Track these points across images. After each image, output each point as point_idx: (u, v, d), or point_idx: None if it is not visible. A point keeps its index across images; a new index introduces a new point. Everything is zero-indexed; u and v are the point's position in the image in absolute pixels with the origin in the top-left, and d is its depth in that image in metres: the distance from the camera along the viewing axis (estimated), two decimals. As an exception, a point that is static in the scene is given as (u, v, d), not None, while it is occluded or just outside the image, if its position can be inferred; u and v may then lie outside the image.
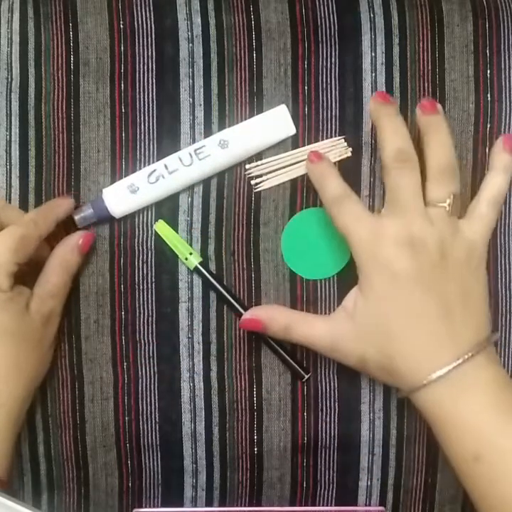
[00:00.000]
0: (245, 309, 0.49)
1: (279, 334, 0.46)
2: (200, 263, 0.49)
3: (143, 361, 0.51)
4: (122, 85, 0.50)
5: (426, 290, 0.41)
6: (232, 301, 0.49)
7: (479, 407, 0.40)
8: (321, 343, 0.44)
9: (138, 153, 0.50)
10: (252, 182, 0.50)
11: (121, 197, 0.48)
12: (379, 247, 0.42)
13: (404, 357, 0.41)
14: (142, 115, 0.50)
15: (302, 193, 0.50)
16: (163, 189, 0.49)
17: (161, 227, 0.50)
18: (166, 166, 0.49)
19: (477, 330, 0.42)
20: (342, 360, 0.44)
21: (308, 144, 0.50)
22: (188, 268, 0.50)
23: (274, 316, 0.46)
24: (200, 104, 0.50)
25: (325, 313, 0.50)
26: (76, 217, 0.48)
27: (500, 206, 0.46)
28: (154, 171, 0.48)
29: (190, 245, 0.50)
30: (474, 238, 0.44)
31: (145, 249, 0.50)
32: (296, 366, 0.49)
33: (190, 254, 0.49)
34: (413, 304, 0.41)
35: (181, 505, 0.52)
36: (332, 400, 0.51)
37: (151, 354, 0.50)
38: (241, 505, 0.52)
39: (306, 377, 0.50)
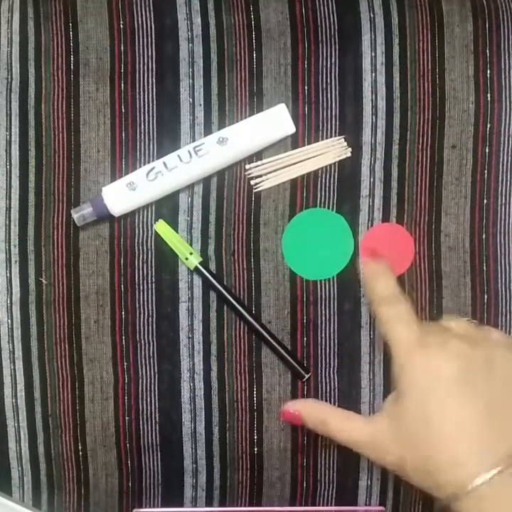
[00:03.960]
0: (245, 309, 0.49)
1: (317, 428, 0.44)
2: (200, 263, 0.49)
3: (143, 361, 0.51)
4: (122, 85, 0.50)
5: (470, 393, 0.40)
6: (233, 301, 0.49)
7: None
8: (360, 439, 0.43)
9: (138, 153, 0.50)
10: (252, 182, 0.50)
11: (120, 195, 0.49)
12: (425, 350, 0.41)
13: (444, 464, 0.39)
14: (142, 115, 0.50)
15: (302, 193, 0.50)
16: (162, 187, 0.49)
17: (161, 227, 0.50)
18: (164, 164, 0.49)
19: None
20: (379, 459, 0.42)
21: (308, 144, 0.50)
22: (188, 268, 0.50)
23: (312, 411, 0.45)
24: (200, 104, 0.50)
25: (325, 313, 0.50)
26: (75, 216, 0.48)
27: None
28: (153, 168, 0.48)
29: (191, 245, 0.50)
30: (501, 339, 0.43)
31: (145, 249, 0.50)
32: (296, 366, 0.49)
33: (191, 254, 0.49)
34: (457, 407, 0.40)
35: (181, 505, 0.52)
36: (332, 400, 0.51)
37: (151, 354, 0.50)
38: (241, 505, 0.52)
39: (307, 377, 0.50)
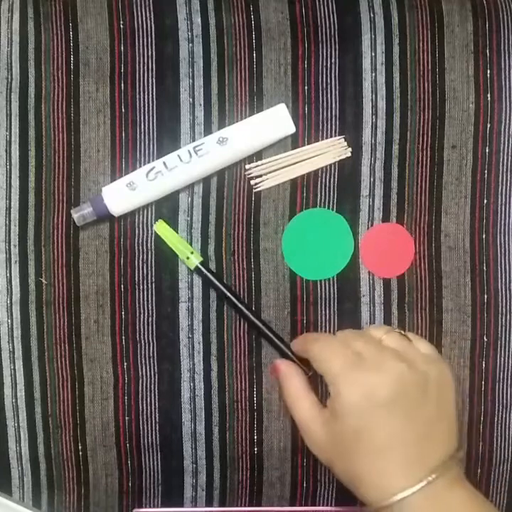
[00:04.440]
0: (247, 308, 0.49)
1: (281, 392, 0.48)
2: (201, 263, 0.49)
3: (143, 361, 0.51)
4: (122, 85, 0.50)
5: (403, 415, 0.41)
6: (234, 299, 0.49)
7: None
8: (298, 421, 0.45)
9: (138, 153, 0.50)
10: (252, 182, 0.50)
11: (120, 195, 0.49)
12: (362, 374, 0.41)
13: (371, 477, 0.40)
14: (142, 115, 0.50)
15: (302, 193, 0.50)
16: (162, 186, 0.49)
17: (161, 228, 0.50)
18: (164, 164, 0.49)
19: (445, 448, 0.41)
20: (311, 449, 0.44)
21: (308, 144, 0.50)
22: (189, 268, 0.50)
23: (289, 378, 0.47)
24: (200, 104, 0.50)
25: (325, 313, 0.50)
26: (75, 216, 0.48)
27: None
28: (153, 168, 0.48)
29: (190, 244, 0.50)
30: (431, 353, 0.45)
31: (145, 249, 0.50)
32: (299, 363, 0.49)
33: (191, 253, 0.49)
34: (388, 430, 0.40)
35: (181, 505, 0.52)
36: (332, 399, 0.51)
37: (151, 354, 0.50)
38: (241, 505, 0.52)
39: (309, 375, 0.49)
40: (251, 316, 0.50)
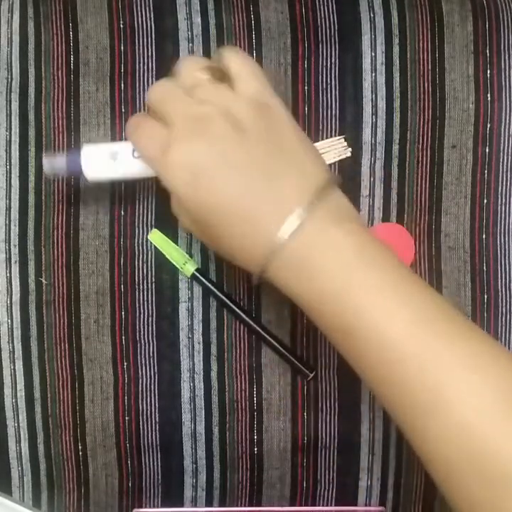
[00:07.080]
0: (245, 312, 0.49)
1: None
2: (197, 270, 0.49)
3: (143, 361, 0.51)
4: (122, 85, 0.50)
5: (232, 174, 0.37)
6: (231, 304, 0.49)
7: (345, 259, 0.35)
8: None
9: (138, 153, 0.50)
10: (252, 182, 0.50)
11: (99, 160, 0.44)
12: (179, 145, 0.37)
13: (242, 248, 0.37)
14: (142, 115, 0.50)
15: (302, 193, 0.50)
16: (145, 167, 0.43)
17: (155, 237, 0.50)
18: None
19: (304, 188, 0.37)
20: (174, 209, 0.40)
21: (308, 144, 0.50)
22: (186, 276, 0.50)
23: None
24: (200, 104, 0.50)
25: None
26: (44, 161, 0.44)
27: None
28: None
29: (191, 245, 0.50)
30: (252, 93, 0.39)
31: (145, 249, 0.50)
32: (301, 366, 0.49)
33: (187, 261, 0.49)
34: (223, 191, 0.37)
35: (181, 505, 0.52)
36: (332, 399, 0.51)
37: (151, 354, 0.51)
38: (241, 505, 0.52)
39: (311, 375, 0.49)
40: (249, 320, 0.49)
